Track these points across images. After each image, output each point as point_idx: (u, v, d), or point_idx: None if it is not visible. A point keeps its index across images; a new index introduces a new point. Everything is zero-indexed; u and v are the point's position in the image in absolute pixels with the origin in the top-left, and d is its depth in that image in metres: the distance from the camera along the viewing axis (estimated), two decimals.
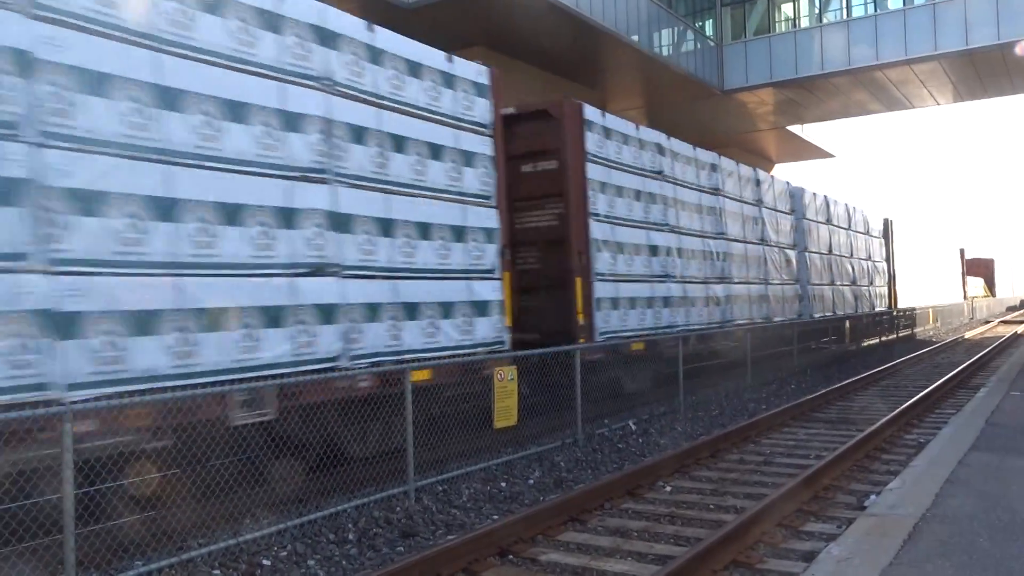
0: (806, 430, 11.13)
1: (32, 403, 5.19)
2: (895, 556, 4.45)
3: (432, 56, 8.98)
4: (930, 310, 36.03)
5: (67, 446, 4.96)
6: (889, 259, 29.52)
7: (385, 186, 8.17)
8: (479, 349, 9.18)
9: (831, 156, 38.58)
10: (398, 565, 5.35)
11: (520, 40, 19.76)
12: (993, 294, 64.16)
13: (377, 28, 8.38)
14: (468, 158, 9.40)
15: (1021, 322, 43.18)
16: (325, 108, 7.65)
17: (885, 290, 28.44)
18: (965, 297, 51.01)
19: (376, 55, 8.25)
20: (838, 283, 22.52)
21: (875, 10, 25.13)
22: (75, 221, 5.65)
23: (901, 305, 30.50)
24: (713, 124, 29.83)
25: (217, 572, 5.70)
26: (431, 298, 8.59)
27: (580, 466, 9.13)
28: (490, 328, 9.40)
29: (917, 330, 32.50)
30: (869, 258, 26.87)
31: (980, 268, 61.63)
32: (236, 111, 6.83)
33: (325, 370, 7.30)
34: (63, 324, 5.52)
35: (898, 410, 11.33)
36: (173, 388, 6.04)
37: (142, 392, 5.83)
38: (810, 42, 25.87)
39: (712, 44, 26.71)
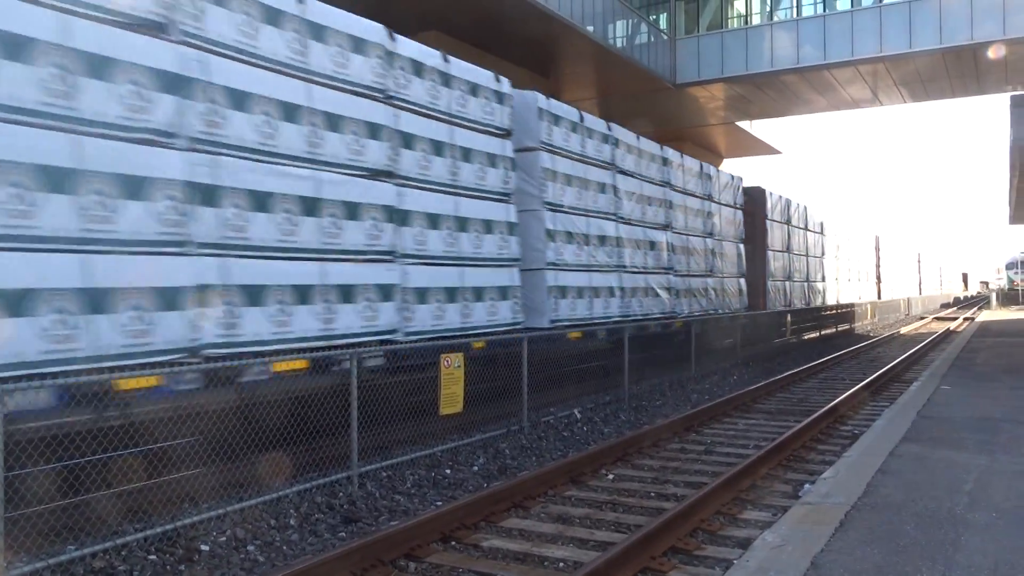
0: (746, 420, 11.38)
1: None
2: (827, 543, 4.58)
3: (715, 170, 19.61)
4: (868, 305, 37.00)
5: None
6: (878, 264, 41.31)
7: (712, 238, 18.66)
8: (736, 311, 19.57)
9: (778, 152, 39.23)
10: (339, 551, 5.33)
11: (475, 26, 19.66)
12: (967, 288, 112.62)
13: (681, 155, 17.63)
14: (738, 223, 20.70)
15: (954, 319, 44.65)
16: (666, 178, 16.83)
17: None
18: (965, 289, 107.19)
19: (675, 168, 17.11)
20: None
21: (824, 10, 25.59)
22: None
23: (885, 297, 42.49)
24: (664, 117, 30.01)
25: (153, 557, 5.59)
26: (726, 287, 19.17)
27: (525, 453, 9.19)
28: (743, 302, 20.49)
29: (855, 325, 33.33)
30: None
31: (961, 276, 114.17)
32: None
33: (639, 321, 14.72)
34: None
35: (834, 402, 11.65)
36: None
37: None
38: (761, 39, 26.22)
39: (665, 38, 26.89)
